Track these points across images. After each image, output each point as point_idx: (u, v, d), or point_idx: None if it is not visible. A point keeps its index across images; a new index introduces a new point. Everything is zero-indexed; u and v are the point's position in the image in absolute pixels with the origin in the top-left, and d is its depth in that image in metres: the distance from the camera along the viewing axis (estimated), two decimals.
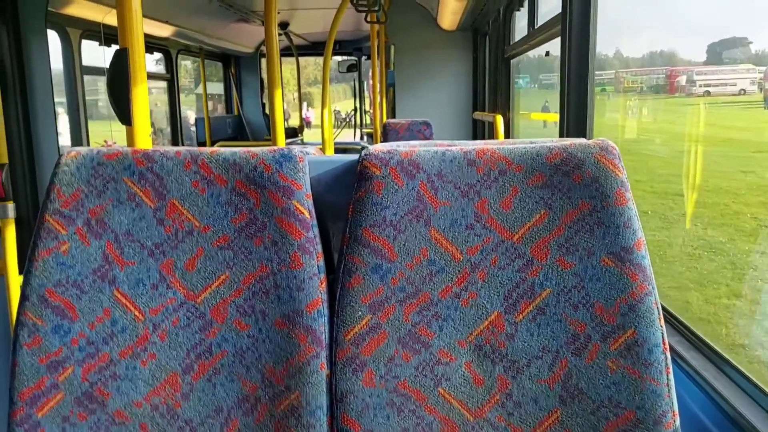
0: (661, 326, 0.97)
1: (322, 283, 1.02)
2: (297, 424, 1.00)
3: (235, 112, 7.84)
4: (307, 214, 1.01)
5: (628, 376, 0.96)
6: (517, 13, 3.89)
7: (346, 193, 1.04)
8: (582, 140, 1.02)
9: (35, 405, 1.00)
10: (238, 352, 1.01)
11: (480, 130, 5.67)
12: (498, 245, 0.99)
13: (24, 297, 1.01)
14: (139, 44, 1.28)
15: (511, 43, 3.97)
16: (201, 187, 1.02)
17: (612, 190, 0.97)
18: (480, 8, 4.84)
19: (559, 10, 2.05)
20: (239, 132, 7.76)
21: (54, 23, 3.54)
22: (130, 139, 1.30)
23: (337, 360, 1.01)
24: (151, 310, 1.01)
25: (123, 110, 1.25)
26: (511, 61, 4.01)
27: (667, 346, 0.97)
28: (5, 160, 2.29)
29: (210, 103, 7.29)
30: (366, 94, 9.09)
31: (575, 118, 1.88)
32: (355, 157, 1.08)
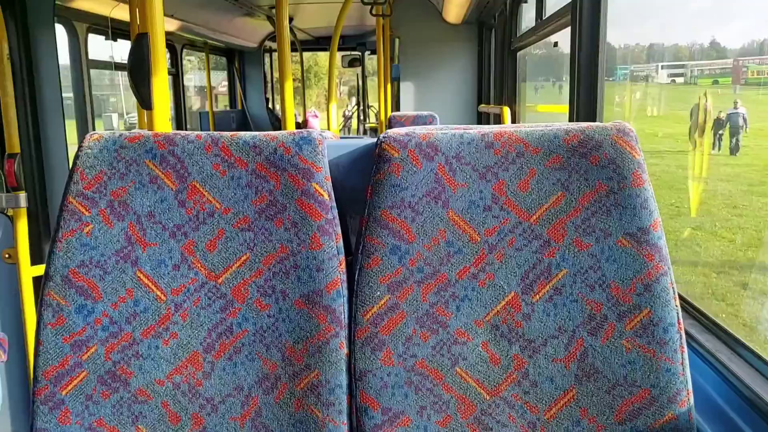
0: (676, 306, 0.98)
1: (341, 264, 1.03)
2: (317, 402, 1.01)
3: (239, 107, 7.85)
4: (326, 196, 1.03)
5: (643, 355, 0.97)
6: (524, 5, 3.89)
7: (363, 177, 1.06)
8: (599, 123, 1.03)
9: (59, 383, 1.02)
10: (259, 332, 1.03)
11: (485, 124, 5.68)
12: (515, 227, 1.00)
13: (48, 277, 1.02)
14: (159, 29, 1.29)
15: (517, 35, 3.98)
16: (222, 170, 1.03)
17: (629, 172, 0.98)
18: (486, 1, 4.84)
19: (568, 1, 2.06)
20: (243, 126, 7.78)
21: (61, 17, 3.55)
22: (150, 123, 1.32)
23: (356, 339, 1.02)
24: (172, 290, 1.03)
25: (143, 95, 1.26)
26: (518, 53, 4.01)
27: (682, 326, 0.98)
28: (17, 149, 2.30)
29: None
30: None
31: (585, 108, 1.89)
32: (373, 140, 1.09)
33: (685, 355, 0.98)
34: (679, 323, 0.98)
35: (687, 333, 1.30)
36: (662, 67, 12.05)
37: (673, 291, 0.98)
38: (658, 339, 0.97)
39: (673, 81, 12.23)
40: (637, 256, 0.98)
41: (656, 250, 0.98)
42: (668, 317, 0.97)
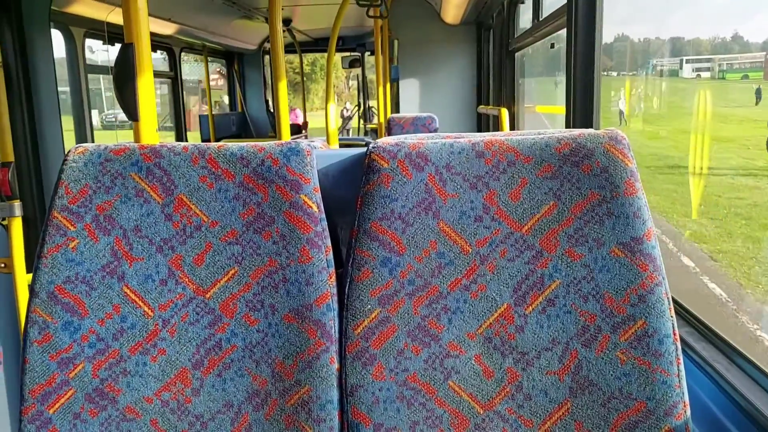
0: (672, 317, 0.96)
1: (331, 277, 1.01)
2: (307, 419, 1.00)
3: (239, 110, 7.84)
4: (315, 208, 1.01)
5: (639, 367, 0.95)
6: (522, 6, 3.87)
7: (354, 187, 1.04)
8: (591, 130, 1.01)
9: (46, 402, 1.00)
10: (248, 347, 1.01)
11: (485, 124, 5.66)
12: (507, 237, 0.99)
13: (33, 294, 1.01)
14: (144, 39, 1.28)
15: (515, 36, 3.96)
16: (209, 182, 1.02)
17: (622, 180, 0.97)
18: (484, 1, 4.82)
19: (564, 1, 2.04)
20: (243, 129, 7.76)
21: (57, 22, 3.54)
22: (137, 135, 1.30)
23: (346, 354, 1.00)
24: (160, 305, 1.01)
25: (129, 105, 1.25)
26: (516, 54, 4.00)
27: (678, 337, 0.96)
28: (11, 158, 2.29)
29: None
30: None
31: (581, 109, 1.87)
32: (362, 150, 1.08)
33: (681, 367, 0.96)
34: (674, 334, 0.96)
35: (684, 341, 1.29)
36: (687, 62, 11.43)
37: (668, 301, 0.96)
38: (654, 351, 0.95)
39: (699, 76, 11.52)
40: (631, 266, 0.96)
41: (650, 259, 0.96)
42: (663, 328, 0.95)
